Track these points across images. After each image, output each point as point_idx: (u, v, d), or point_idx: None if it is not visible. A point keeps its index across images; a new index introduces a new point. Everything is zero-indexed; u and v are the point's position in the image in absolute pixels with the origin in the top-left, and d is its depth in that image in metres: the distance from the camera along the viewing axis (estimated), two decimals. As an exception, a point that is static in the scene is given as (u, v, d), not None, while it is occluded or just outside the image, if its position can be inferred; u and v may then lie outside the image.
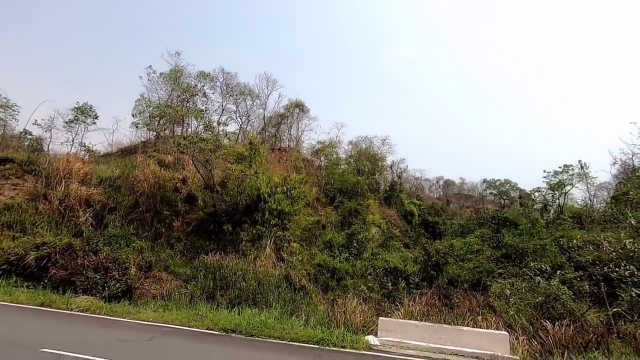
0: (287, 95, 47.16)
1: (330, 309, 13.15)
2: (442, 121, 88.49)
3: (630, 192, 19.24)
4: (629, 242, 13.72)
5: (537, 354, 9.86)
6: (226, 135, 26.22)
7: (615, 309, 12.41)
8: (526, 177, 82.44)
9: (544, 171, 25.44)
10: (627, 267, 12.85)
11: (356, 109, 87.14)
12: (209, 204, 20.81)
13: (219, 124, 29.03)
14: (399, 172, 38.72)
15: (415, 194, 40.32)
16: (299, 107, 35.23)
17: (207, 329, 10.14)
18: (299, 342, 9.28)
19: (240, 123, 33.81)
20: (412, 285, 17.84)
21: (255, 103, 34.31)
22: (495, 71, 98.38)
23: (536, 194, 25.91)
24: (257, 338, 9.52)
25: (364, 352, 8.95)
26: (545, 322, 12.43)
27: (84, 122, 25.44)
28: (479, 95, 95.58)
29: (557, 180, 23.01)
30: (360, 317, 12.00)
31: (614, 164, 26.01)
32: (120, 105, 68.28)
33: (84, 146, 25.54)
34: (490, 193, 41.93)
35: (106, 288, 12.99)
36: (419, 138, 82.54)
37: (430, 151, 78.36)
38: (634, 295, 12.13)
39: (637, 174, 20.40)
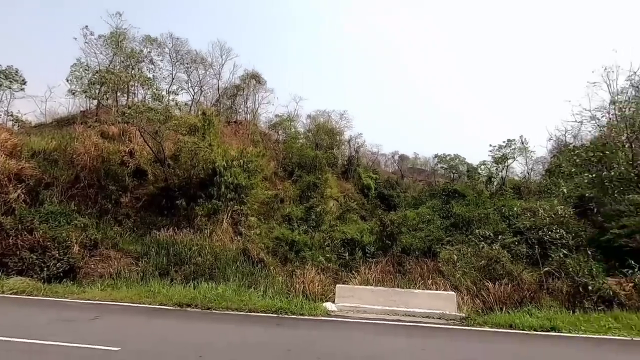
0: (242, 65, 44.92)
1: (289, 280, 13.27)
2: (399, 97, 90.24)
3: (563, 165, 21.11)
4: (560, 208, 15.19)
5: (479, 310, 10.73)
6: (177, 105, 24.56)
7: (546, 269, 13.80)
8: (474, 151, 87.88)
9: (490, 145, 27.32)
10: (558, 230, 14.25)
11: (315, 81, 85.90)
12: (160, 178, 19.71)
13: (168, 93, 27.13)
14: (356, 147, 39.20)
15: (372, 168, 41.23)
16: (255, 79, 33.82)
17: (160, 304, 9.76)
18: (258, 313, 9.27)
19: (193, 94, 31.88)
20: (368, 255, 18.50)
21: (208, 72, 32.36)
22: (449, 48, 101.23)
23: (482, 167, 27.72)
24: (214, 311, 9.36)
25: (322, 317, 9.17)
26: (487, 282, 13.55)
27: (9, 87, 22.48)
28: (432, 73, 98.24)
29: (501, 154, 24.67)
30: (318, 286, 12.24)
31: (550, 139, 28.38)
32: (52, 70, 60.98)
33: (11, 115, 22.70)
34: (441, 167, 44.03)
35: (45, 268, 11.98)
36: (375, 113, 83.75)
37: (386, 126, 80.00)
38: (562, 255, 13.53)
39: (568, 148, 22.37)
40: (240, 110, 35.19)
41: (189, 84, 31.11)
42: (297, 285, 11.77)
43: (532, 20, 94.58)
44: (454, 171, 42.89)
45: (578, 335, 8.47)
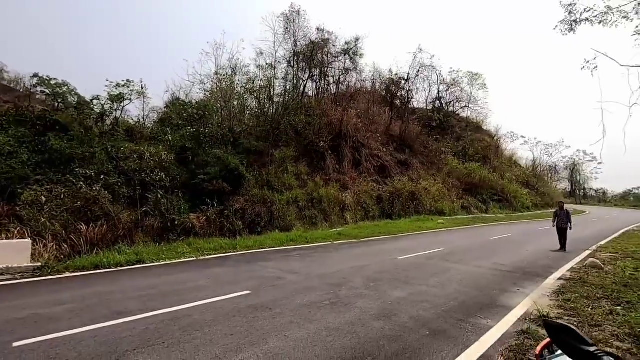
0: None
1: None
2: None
3: (173, 117, 23.25)
4: (165, 153, 16.66)
5: (63, 256, 9.61)
6: None
7: (144, 209, 14.75)
8: (91, 84, 77.59)
9: (107, 80, 24.70)
10: (159, 173, 15.59)
11: None
12: None
13: None
14: None
15: None
16: None
17: None
18: None
19: None
20: None
21: None
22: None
23: (95, 101, 24.75)
24: None
25: None
26: (81, 225, 12.55)
27: None
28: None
29: (118, 92, 23.16)
30: None
31: (167, 92, 30.35)
32: None
33: None
34: (42, 92, 35.14)
35: None
36: None
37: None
38: (159, 196, 14.97)
39: (180, 102, 24.90)
40: None
41: None
42: None
43: None
44: (60, 100, 35.46)
45: (160, 263, 9.64)
